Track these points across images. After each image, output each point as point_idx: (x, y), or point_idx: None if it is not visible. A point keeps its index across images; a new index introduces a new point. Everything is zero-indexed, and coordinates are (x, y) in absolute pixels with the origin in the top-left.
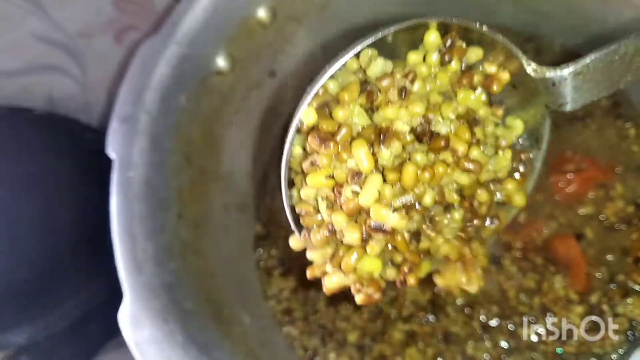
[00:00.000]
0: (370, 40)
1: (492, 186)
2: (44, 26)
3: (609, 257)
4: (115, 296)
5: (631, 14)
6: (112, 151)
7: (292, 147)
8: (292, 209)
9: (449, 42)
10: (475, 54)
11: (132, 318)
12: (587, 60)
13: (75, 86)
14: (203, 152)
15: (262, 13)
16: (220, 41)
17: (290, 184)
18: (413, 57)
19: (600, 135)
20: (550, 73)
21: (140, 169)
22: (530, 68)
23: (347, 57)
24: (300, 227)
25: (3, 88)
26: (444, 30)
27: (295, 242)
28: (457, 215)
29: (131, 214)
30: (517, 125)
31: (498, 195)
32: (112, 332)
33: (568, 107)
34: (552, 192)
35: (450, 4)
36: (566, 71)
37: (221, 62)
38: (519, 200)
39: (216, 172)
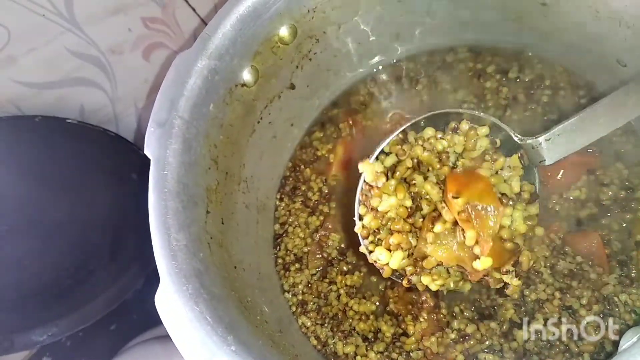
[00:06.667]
0: (409, 123)
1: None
2: (78, 42)
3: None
4: (135, 299)
5: (623, 33)
6: (149, 152)
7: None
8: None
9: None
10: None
11: (167, 299)
12: (555, 129)
13: (105, 98)
14: (228, 156)
15: (284, 31)
16: (246, 56)
17: None
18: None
19: None
20: (529, 140)
21: (174, 168)
22: (517, 138)
23: (393, 136)
24: None
25: (39, 98)
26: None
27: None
28: None
29: (166, 208)
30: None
31: None
32: (132, 333)
33: (546, 163)
34: (544, 183)
35: (458, 25)
36: (541, 138)
37: (246, 75)
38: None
39: (239, 175)
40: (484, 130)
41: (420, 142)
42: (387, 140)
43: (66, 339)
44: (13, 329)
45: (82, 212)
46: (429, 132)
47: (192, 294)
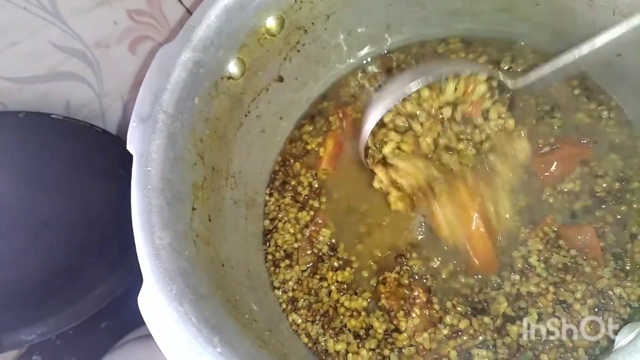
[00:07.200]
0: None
1: None
2: (63, 36)
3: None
4: (126, 296)
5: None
6: (131, 147)
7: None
8: None
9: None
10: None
11: (150, 300)
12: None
13: (91, 93)
14: (215, 151)
15: (271, 22)
16: (232, 48)
17: None
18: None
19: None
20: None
21: (157, 164)
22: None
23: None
24: None
25: (23, 94)
26: None
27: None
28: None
29: (150, 205)
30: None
31: None
32: (123, 331)
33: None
34: (538, 175)
35: (449, 15)
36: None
37: (232, 67)
38: None
39: (227, 170)
40: (482, 76)
41: (414, 102)
42: (383, 113)
43: (56, 338)
44: (1, 329)
45: (69, 209)
46: (425, 92)
47: (177, 294)
